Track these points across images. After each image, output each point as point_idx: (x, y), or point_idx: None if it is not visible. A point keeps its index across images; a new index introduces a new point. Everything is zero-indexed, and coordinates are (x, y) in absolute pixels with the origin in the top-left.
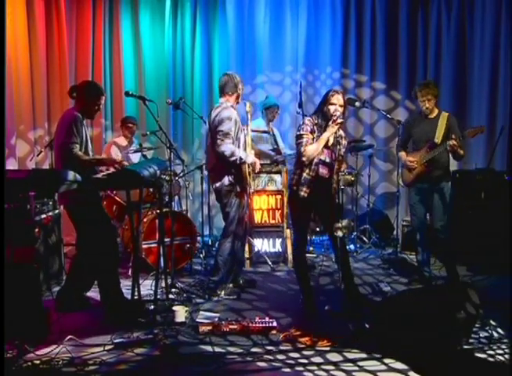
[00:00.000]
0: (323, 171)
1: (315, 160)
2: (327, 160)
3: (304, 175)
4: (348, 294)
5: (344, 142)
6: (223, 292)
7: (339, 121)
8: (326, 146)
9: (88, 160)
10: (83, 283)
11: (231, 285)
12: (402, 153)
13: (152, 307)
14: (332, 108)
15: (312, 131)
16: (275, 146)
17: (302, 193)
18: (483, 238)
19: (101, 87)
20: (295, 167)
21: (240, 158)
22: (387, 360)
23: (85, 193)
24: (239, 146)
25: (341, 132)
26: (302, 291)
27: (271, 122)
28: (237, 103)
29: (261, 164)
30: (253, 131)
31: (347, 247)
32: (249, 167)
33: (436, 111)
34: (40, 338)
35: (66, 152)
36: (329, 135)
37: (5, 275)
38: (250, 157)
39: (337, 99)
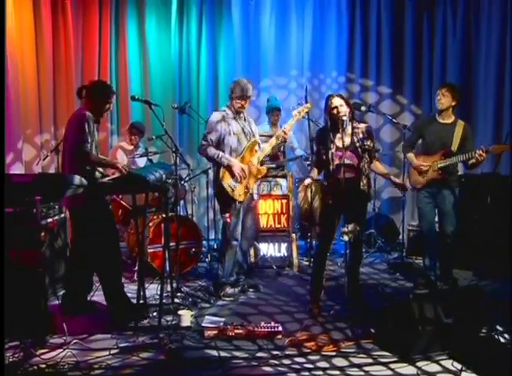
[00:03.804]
0: (343, 174)
1: (332, 166)
2: (346, 162)
3: (326, 182)
4: (352, 299)
5: (360, 135)
6: (223, 294)
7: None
8: (338, 149)
9: (101, 160)
10: (82, 286)
11: (234, 289)
12: (412, 155)
13: (157, 311)
14: (335, 111)
15: (315, 143)
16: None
17: (327, 201)
18: (489, 242)
19: (110, 85)
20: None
21: (217, 157)
22: (393, 366)
23: (93, 198)
24: (224, 150)
25: (363, 128)
26: (312, 291)
27: (274, 126)
28: (235, 109)
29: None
30: (260, 135)
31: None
32: (231, 173)
33: (452, 118)
34: (44, 341)
35: (79, 151)
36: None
37: (10, 278)
38: (226, 159)
39: (335, 101)
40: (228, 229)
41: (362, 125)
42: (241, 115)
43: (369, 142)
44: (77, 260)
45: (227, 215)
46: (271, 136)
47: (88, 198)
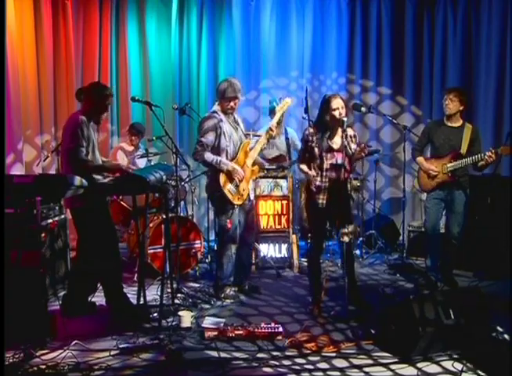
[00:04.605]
0: (336, 174)
1: (326, 166)
2: (339, 162)
3: (318, 183)
4: (352, 300)
5: (354, 142)
6: (223, 296)
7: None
8: (334, 149)
9: (95, 166)
10: (84, 287)
11: (234, 290)
12: (422, 159)
13: (157, 312)
14: (336, 113)
15: (308, 141)
16: (281, 153)
17: (320, 201)
18: (490, 243)
19: (108, 87)
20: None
21: (215, 163)
22: (393, 367)
23: (94, 199)
24: (219, 154)
25: (351, 132)
26: (312, 292)
27: (278, 126)
28: (224, 111)
29: (267, 169)
30: (255, 135)
31: (354, 252)
32: (229, 177)
33: (461, 121)
34: (45, 342)
35: (73, 156)
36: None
37: (10, 279)
38: (225, 164)
39: (338, 103)
40: (226, 231)
41: (351, 129)
42: (231, 116)
43: (354, 146)
44: (79, 261)
45: (228, 220)
46: (259, 135)
47: (87, 200)
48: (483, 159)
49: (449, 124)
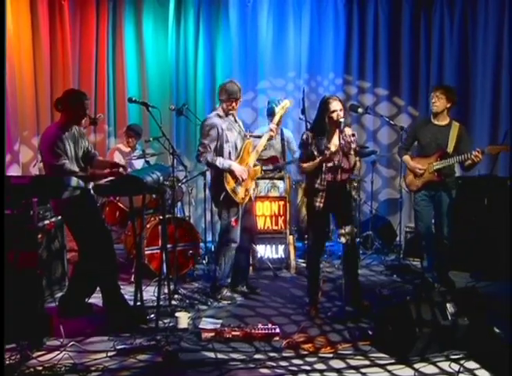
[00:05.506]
0: (336, 175)
1: (324, 168)
2: (337, 164)
3: (316, 185)
4: (352, 301)
5: (354, 141)
6: (220, 297)
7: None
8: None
9: (83, 176)
10: (84, 289)
11: (231, 291)
12: (407, 157)
13: (154, 313)
14: (335, 115)
15: (308, 145)
16: (275, 154)
17: (317, 204)
18: (487, 244)
19: (83, 92)
20: (306, 176)
21: (220, 163)
22: (390, 367)
23: (82, 202)
24: (222, 155)
25: (349, 131)
26: (309, 293)
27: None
28: (226, 112)
29: (264, 171)
30: (251, 136)
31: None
32: (233, 177)
33: (447, 119)
34: (41, 343)
35: (59, 171)
36: (317, 162)
37: (8, 280)
38: (229, 164)
39: (336, 105)
40: (228, 231)
41: (349, 129)
42: (232, 117)
43: (354, 146)
44: (80, 262)
45: (233, 219)
46: (260, 136)
47: (73, 206)
48: (469, 158)
49: (436, 122)
